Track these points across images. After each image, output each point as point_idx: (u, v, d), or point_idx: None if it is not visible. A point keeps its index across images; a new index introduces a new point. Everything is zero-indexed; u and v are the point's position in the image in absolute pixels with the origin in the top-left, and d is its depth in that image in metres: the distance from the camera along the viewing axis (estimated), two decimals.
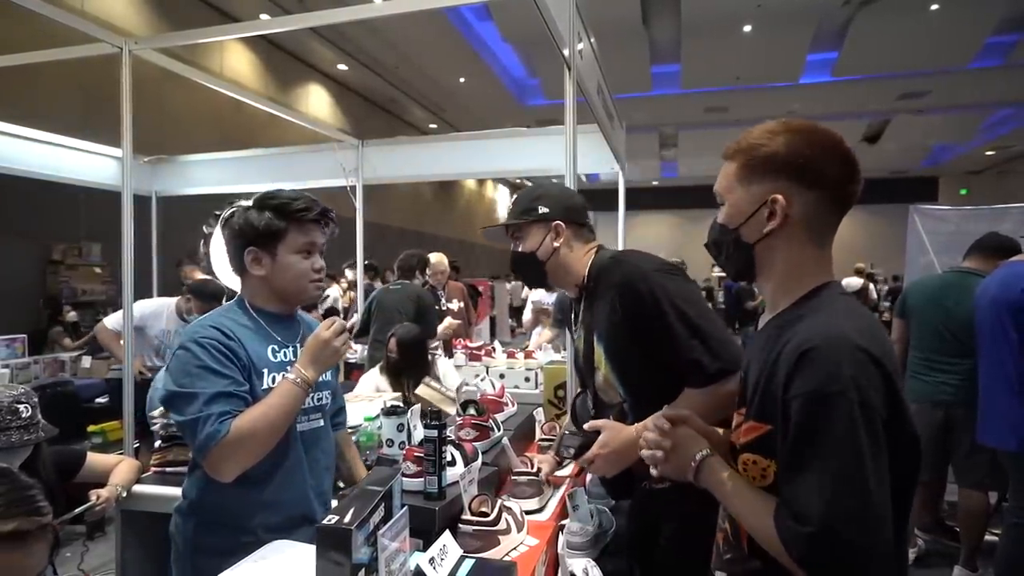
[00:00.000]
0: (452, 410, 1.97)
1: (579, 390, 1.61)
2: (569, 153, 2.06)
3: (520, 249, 1.46)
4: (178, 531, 1.33)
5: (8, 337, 4.16)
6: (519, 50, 10.31)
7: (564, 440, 1.34)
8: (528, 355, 3.68)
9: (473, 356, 3.79)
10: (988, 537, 2.90)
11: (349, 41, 9.58)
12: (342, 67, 10.62)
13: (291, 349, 1.38)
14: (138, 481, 1.98)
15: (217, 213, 1.43)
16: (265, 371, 1.30)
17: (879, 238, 16.50)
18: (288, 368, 1.33)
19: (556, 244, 1.42)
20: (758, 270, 0.96)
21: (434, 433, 1.23)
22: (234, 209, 1.36)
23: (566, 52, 2.00)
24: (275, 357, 1.34)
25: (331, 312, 1.61)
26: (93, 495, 1.81)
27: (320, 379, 1.38)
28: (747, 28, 9.09)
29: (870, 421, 0.78)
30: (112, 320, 3.69)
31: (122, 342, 3.71)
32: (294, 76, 10.10)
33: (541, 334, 4.44)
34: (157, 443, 2.11)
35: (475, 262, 17.02)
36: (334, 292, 6.82)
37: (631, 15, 8.55)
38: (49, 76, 5.44)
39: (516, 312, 12.60)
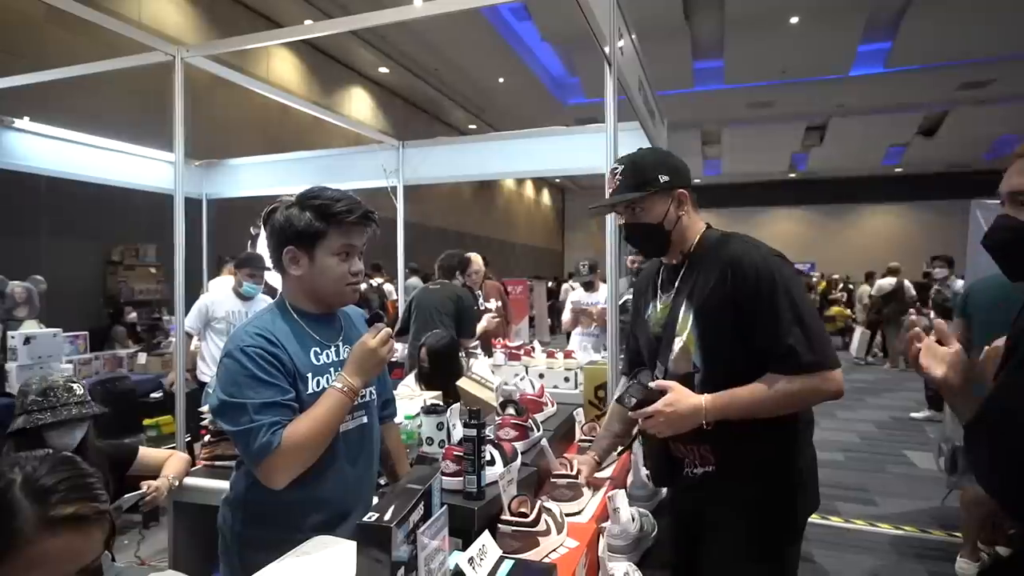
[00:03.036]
0: (497, 403, 1.95)
1: (631, 369, 1.60)
2: (610, 151, 2.03)
3: (644, 220, 1.42)
4: (225, 524, 1.36)
5: (72, 335, 4.38)
6: (558, 49, 10.27)
7: (629, 389, 1.32)
8: (568, 355, 3.66)
9: (512, 356, 3.78)
10: None
11: (390, 44, 9.73)
12: (383, 70, 10.79)
13: (333, 349, 1.38)
14: (188, 474, 2.05)
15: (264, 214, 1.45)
16: (309, 375, 1.31)
17: (938, 235, 15.76)
18: (331, 371, 1.34)
19: (680, 213, 1.41)
20: None
21: (473, 432, 1.23)
22: (276, 206, 1.36)
23: (607, 49, 1.97)
24: (318, 360, 1.34)
25: (376, 318, 1.63)
26: (145, 485, 1.89)
27: None
28: (794, 19, 8.82)
29: None
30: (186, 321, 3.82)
31: (196, 342, 3.87)
32: (337, 79, 10.32)
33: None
34: (207, 438, 2.18)
35: (515, 262, 17.05)
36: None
37: (672, 10, 8.41)
38: (106, 84, 5.70)
39: (556, 312, 12.57)
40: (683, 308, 1.37)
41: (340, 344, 1.40)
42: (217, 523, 1.38)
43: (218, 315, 3.76)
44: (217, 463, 2.12)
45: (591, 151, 3.69)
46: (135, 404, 4.18)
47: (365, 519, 0.91)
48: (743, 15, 8.55)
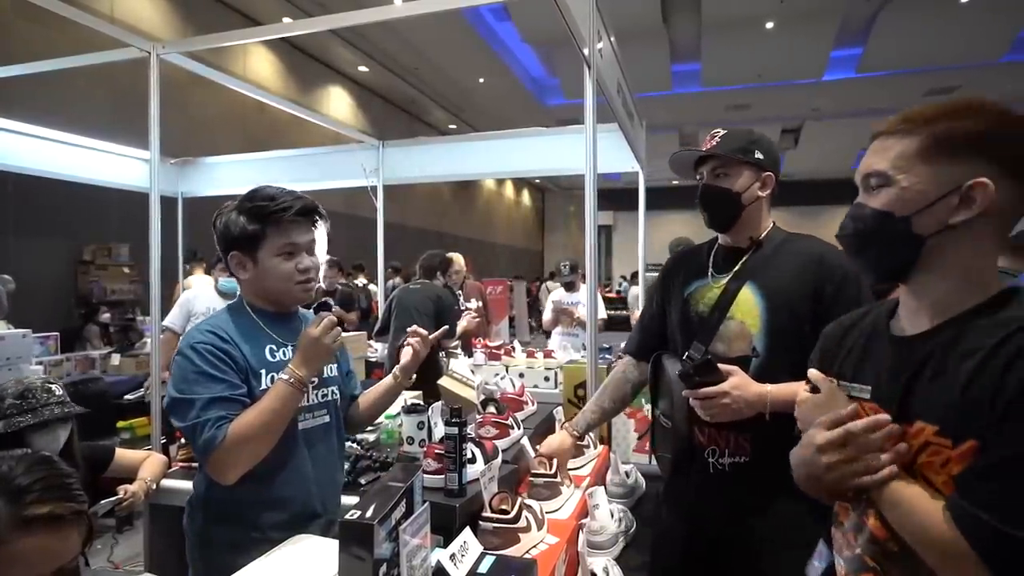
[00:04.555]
0: (477, 400, 1.95)
1: (640, 351, 1.56)
2: (589, 152, 2.06)
3: (724, 186, 1.38)
4: (190, 525, 1.35)
5: (42, 335, 4.27)
6: (538, 50, 10.30)
7: (697, 366, 1.24)
8: (548, 355, 3.69)
9: (492, 355, 3.80)
10: None
11: (369, 43, 9.67)
12: (363, 69, 10.72)
13: (290, 348, 1.35)
14: (165, 476, 2.03)
15: None
16: (263, 372, 1.30)
17: None
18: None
19: (761, 194, 1.39)
20: (923, 267, 0.81)
21: (455, 430, 1.24)
22: (221, 210, 1.36)
23: (586, 51, 2.00)
24: (273, 357, 1.33)
25: (323, 307, 1.60)
26: (121, 490, 1.86)
27: (325, 375, 1.38)
28: (770, 24, 8.97)
29: None
30: (166, 320, 3.74)
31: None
32: (315, 78, 10.22)
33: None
34: (183, 440, 2.16)
35: (495, 262, 17.05)
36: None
37: (651, 14, 8.50)
38: (80, 81, 5.58)
39: (537, 312, 12.60)
40: (747, 290, 1.34)
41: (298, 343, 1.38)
42: (183, 524, 1.38)
43: (198, 310, 3.71)
44: (195, 464, 2.09)
45: (572, 152, 3.72)
46: (109, 406, 4.10)
47: (348, 516, 0.92)
48: (720, 19, 8.67)
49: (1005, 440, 0.69)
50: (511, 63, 10.72)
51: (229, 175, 4.74)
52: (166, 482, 2.00)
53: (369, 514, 0.93)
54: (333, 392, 1.44)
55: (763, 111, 12.48)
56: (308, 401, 1.35)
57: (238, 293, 1.43)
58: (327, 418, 1.41)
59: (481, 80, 11.40)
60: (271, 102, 3.64)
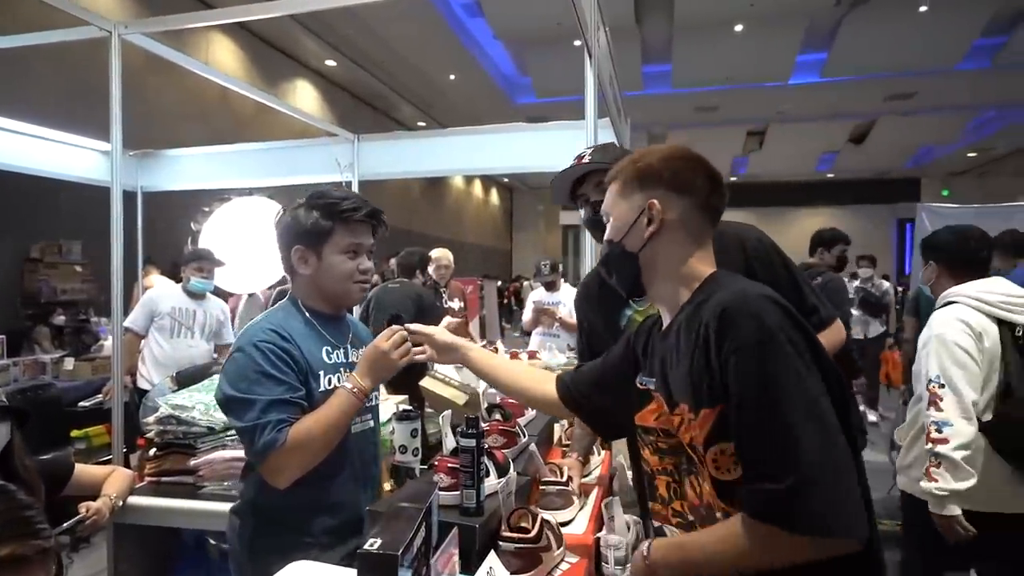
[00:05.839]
0: (462, 401, 1.87)
1: None
2: (591, 144, 1.97)
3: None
4: (235, 532, 1.34)
5: None
6: (510, 47, 10.22)
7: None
8: (532, 356, 3.60)
9: None
10: None
11: (337, 35, 9.41)
12: (330, 63, 10.44)
13: (343, 351, 1.40)
14: (132, 492, 1.86)
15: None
16: (321, 373, 1.32)
17: (864, 237, 16.69)
18: (342, 371, 1.35)
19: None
20: (646, 277, 1.01)
21: (472, 443, 1.13)
22: (283, 208, 1.40)
23: (588, 37, 1.91)
24: (329, 359, 1.36)
25: (396, 320, 1.56)
26: (83, 508, 1.68)
27: None
28: (739, 28, 9.09)
29: (807, 362, 0.82)
30: (128, 320, 3.48)
31: (142, 345, 3.55)
32: (280, 71, 9.90)
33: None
34: (152, 451, 1.98)
35: (463, 261, 16.88)
36: None
37: (624, 13, 8.50)
38: (30, 66, 5.22)
39: (508, 312, 12.51)
40: None
41: (348, 347, 1.41)
42: (227, 535, 1.36)
43: (162, 309, 3.50)
44: (164, 478, 1.93)
45: (553, 148, 3.62)
46: (62, 414, 3.83)
47: (367, 547, 0.81)
48: (691, 20, 8.74)
49: (736, 401, 0.83)
50: (483, 60, 10.60)
51: (194, 169, 4.48)
52: (133, 499, 1.83)
53: (392, 543, 0.82)
54: (376, 397, 1.49)
55: (731, 113, 12.67)
56: None
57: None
58: (371, 423, 1.45)
59: (452, 77, 11.25)
60: (240, 90, 3.45)
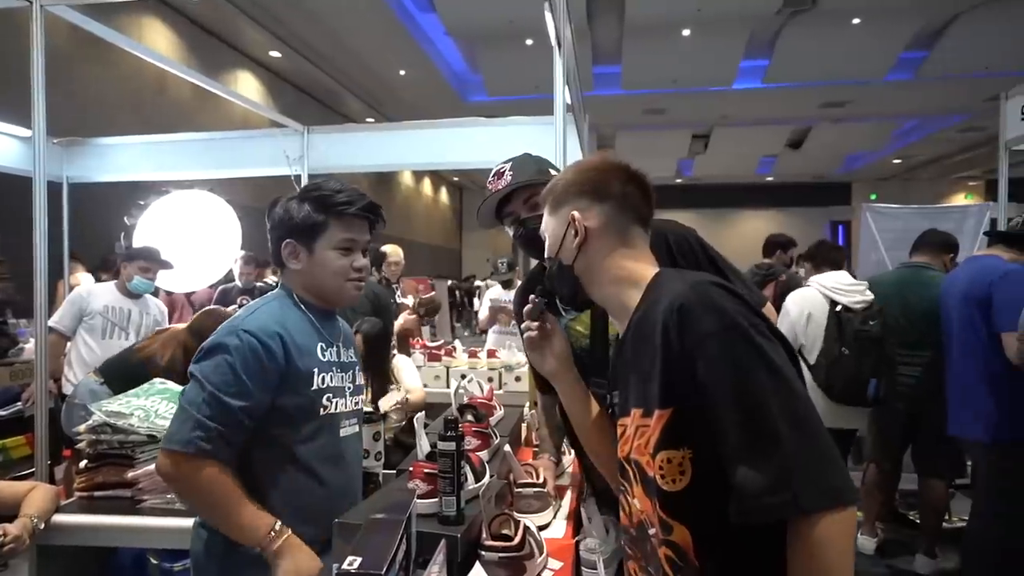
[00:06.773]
0: (422, 412, 1.82)
1: None
2: (560, 142, 1.93)
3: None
4: (202, 545, 1.23)
5: None
6: (462, 44, 10.10)
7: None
8: (491, 354, 3.54)
9: (432, 356, 3.60)
10: (944, 524, 3.01)
11: (283, 26, 9.05)
12: (275, 54, 10.03)
13: (334, 349, 1.34)
14: (57, 510, 1.68)
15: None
16: (315, 371, 1.26)
17: (802, 238, 17.44)
18: (333, 369, 1.30)
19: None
20: (588, 287, 1.02)
21: (451, 446, 1.06)
22: (276, 200, 1.34)
23: (558, 28, 1.86)
24: (324, 356, 1.30)
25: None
26: None
27: (358, 382, 1.37)
28: (686, 32, 9.29)
29: (770, 341, 0.82)
30: (52, 320, 3.16)
31: (67, 349, 3.27)
32: (221, 60, 9.44)
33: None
34: (83, 463, 1.81)
35: (413, 260, 16.62)
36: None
37: (577, 14, 8.54)
38: None
39: (458, 311, 12.39)
40: None
41: (340, 346, 1.35)
42: (192, 549, 1.26)
43: (94, 308, 3.24)
44: (97, 493, 1.76)
45: (509, 144, 3.56)
46: None
47: (346, 566, 0.72)
48: (641, 23, 8.87)
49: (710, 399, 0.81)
50: (434, 56, 10.44)
51: (127, 159, 4.18)
52: (59, 517, 1.66)
53: (372, 561, 0.74)
54: (361, 401, 1.44)
55: (677, 116, 12.96)
56: (346, 408, 1.34)
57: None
58: (356, 427, 1.40)
59: (402, 72, 11.03)
60: (178, 72, 3.24)
